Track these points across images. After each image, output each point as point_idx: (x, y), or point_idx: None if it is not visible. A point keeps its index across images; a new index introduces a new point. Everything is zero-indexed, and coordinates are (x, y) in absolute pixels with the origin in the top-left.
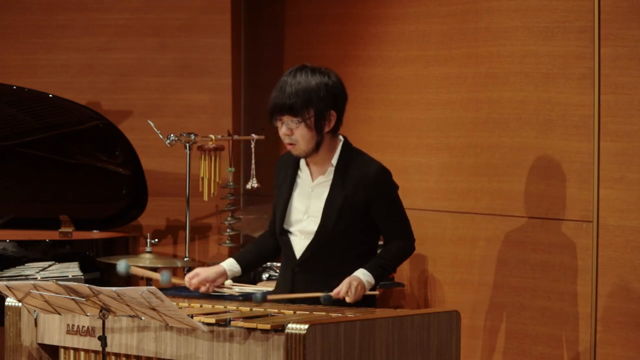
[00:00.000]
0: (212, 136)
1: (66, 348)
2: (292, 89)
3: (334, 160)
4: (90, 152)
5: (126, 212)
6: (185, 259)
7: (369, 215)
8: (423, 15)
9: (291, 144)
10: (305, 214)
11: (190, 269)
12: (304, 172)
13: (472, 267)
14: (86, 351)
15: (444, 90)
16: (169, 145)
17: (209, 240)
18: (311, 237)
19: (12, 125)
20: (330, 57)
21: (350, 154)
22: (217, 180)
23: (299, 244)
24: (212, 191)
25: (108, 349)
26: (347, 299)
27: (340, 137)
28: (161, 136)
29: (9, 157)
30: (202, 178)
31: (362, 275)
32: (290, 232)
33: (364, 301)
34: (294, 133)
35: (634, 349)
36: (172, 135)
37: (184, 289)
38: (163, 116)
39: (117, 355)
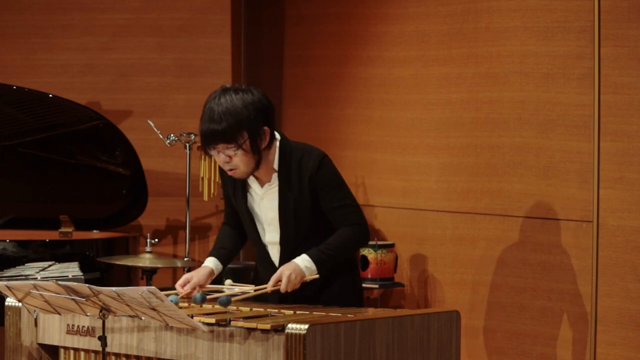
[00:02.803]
0: None
1: (66, 348)
2: (219, 114)
3: (275, 165)
4: (90, 152)
5: (126, 212)
6: (185, 259)
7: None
8: (423, 15)
9: (231, 169)
10: (266, 221)
11: (190, 269)
12: (251, 180)
13: (472, 267)
14: (86, 351)
15: (444, 90)
16: (169, 145)
17: (209, 240)
18: (279, 246)
19: (12, 125)
20: (330, 57)
21: (289, 153)
22: (217, 180)
23: (272, 252)
24: (212, 191)
25: (108, 349)
26: (281, 289)
27: (277, 136)
28: (161, 136)
29: (9, 157)
30: (202, 178)
31: (301, 261)
32: (265, 244)
33: (345, 294)
34: (232, 159)
35: (634, 349)
36: (172, 135)
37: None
38: (163, 116)
39: (117, 355)
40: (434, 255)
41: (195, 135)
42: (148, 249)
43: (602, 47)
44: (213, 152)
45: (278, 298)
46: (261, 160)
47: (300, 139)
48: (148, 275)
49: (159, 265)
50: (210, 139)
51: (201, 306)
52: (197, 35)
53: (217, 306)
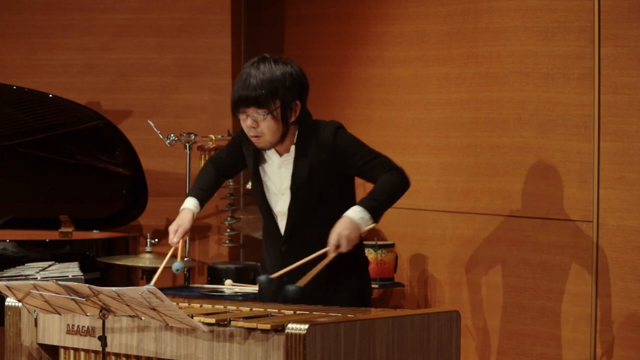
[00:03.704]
0: (212, 136)
1: (66, 348)
2: (256, 80)
3: (295, 137)
4: (90, 152)
5: (126, 212)
6: (185, 259)
7: (340, 178)
8: (423, 15)
9: (256, 136)
10: (280, 191)
11: (190, 269)
12: (270, 150)
13: (472, 267)
14: (86, 351)
15: (444, 90)
16: (169, 145)
17: (209, 240)
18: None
19: (12, 125)
20: (330, 57)
21: (309, 127)
22: None
23: (282, 222)
24: None
25: (108, 349)
26: (343, 250)
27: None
28: (161, 136)
29: (9, 157)
30: None
31: (354, 213)
32: (272, 211)
33: (354, 294)
34: (259, 125)
35: (634, 349)
36: (172, 135)
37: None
38: (163, 116)
39: (117, 355)
40: (434, 255)
41: (196, 135)
42: (148, 249)
43: (602, 47)
44: (241, 117)
45: (282, 299)
46: (287, 133)
47: None
48: (148, 275)
49: (159, 265)
50: (242, 101)
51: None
52: (197, 35)
53: (217, 306)
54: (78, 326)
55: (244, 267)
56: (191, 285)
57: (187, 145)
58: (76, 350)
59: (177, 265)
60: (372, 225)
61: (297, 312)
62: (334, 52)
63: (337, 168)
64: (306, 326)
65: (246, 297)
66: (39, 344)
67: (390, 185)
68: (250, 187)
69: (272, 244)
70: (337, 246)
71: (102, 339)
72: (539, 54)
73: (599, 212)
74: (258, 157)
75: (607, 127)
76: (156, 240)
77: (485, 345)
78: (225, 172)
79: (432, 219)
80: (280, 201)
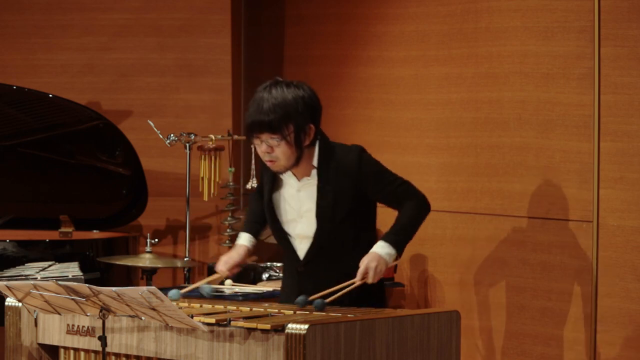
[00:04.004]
0: (212, 136)
1: (66, 348)
2: (269, 105)
3: (315, 161)
4: (90, 152)
5: (126, 212)
6: (185, 259)
7: (362, 202)
8: (423, 15)
9: (271, 161)
10: (298, 214)
11: (190, 269)
12: (288, 174)
13: (472, 267)
14: (86, 351)
15: (444, 90)
16: (169, 145)
17: (209, 240)
18: (311, 239)
19: (12, 125)
20: (330, 57)
21: (329, 150)
22: (217, 180)
23: (300, 245)
24: (212, 191)
25: (108, 349)
26: (369, 281)
27: (318, 136)
28: (161, 136)
29: (9, 157)
30: (202, 178)
31: (380, 248)
32: (289, 235)
33: (373, 296)
34: (274, 150)
35: (634, 349)
36: (172, 135)
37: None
38: (163, 116)
39: (117, 355)
40: (434, 255)
41: (195, 135)
42: (148, 249)
43: (602, 47)
44: (256, 142)
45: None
46: (302, 156)
47: None
48: (148, 275)
49: (159, 265)
50: (256, 128)
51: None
52: (197, 35)
53: (217, 306)
54: (78, 326)
55: (244, 267)
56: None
57: (187, 145)
58: (76, 350)
59: (207, 289)
60: (396, 262)
61: (297, 312)
62: (334, 52)
63: (361, 193)
64: (306, 326)
65: (246, 297)
66: (39, 344)
67: (412, 215)
68: (249, 187)
69: (288, 266)
70: (364, 277)
71: (102, 339)
72: (539, 54)
73: (599, 212)
74: (275, 182)
75: (607, 127)
76: (156, 240)
77: (485, 345)
78: None
79: (432, 219)
80: (299, 224)
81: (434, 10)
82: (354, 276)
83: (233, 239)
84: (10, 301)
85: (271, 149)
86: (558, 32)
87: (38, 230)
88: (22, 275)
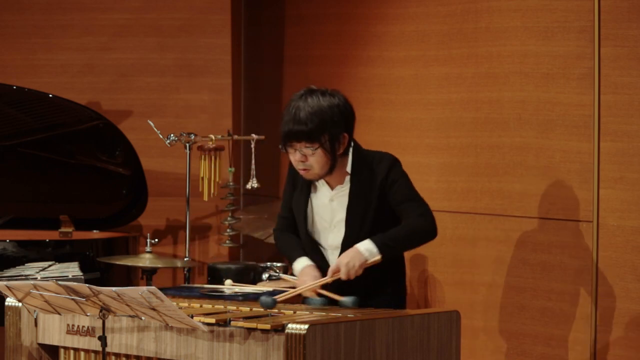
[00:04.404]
0: (212, 136)
1: (66, 348)
2: (305, 114)
3: (349, 168)
4: (90, 152)
5: (126, 212)
6: (185, 259)
7: (388, 210)
8: (423, 15)
9: (305, 170)
10: (331, 223)
11: (190, 269)
12: (321, 183)
13: (472, 267)
14: (86, 351)
15: (444, 90)
16: (169, 145)
17: (209, 240)
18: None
19: (12, 125)
20: (330, 57)
21: (362, 158)
22: (217, 180)
23: (332, 255)
24: (212, 191)
25: (108, 349)
26: (342, 277)
27: (351, 144)
28: (161, 136)
29: (9, 157)
30: (202, 178)
31: (361, 244)
32: (320, 246)
33: (392, 300)
34: (308, 159)
35: (634, 349)
36: (172, 135)
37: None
38: (163, 116)
39: (117, 355)
40: (434, 255)
41: (195, 135)
42: (148, 249)
43: (602, 47)
44: (290, 150)
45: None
46: (335, 165)
47: None
48: (148, 275)
49: (159, 265)
50: (293, 137)
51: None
52: (197, 35)
53: (217, 306)
54: (78, 326)
55: (244, 267)
56: (191, 285)
57: (187, 145)
58: (76, 350)
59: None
60: (377, 259)
61: (297, 312)
62: (334, 52)
63: (385, 201)
64: (306, 326)
65: (246, 297)
66: (39, 344)
67: (411, 228)
68: (249, 187)
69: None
70: (336, 272)
71: (102, 339)
72: (539, 54)
73: (599, 212)
74: (309, 190)
75: (607, 127)
76: (156, 240)
77: (485, 345)
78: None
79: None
80: (331, 234)
81: (434, 10)
82: (379, 285)
83: (233, 239)
84: (10, 301)
85: (305, 157)
86: (558, 32)
87: (38, 230)
88: (22, 275)
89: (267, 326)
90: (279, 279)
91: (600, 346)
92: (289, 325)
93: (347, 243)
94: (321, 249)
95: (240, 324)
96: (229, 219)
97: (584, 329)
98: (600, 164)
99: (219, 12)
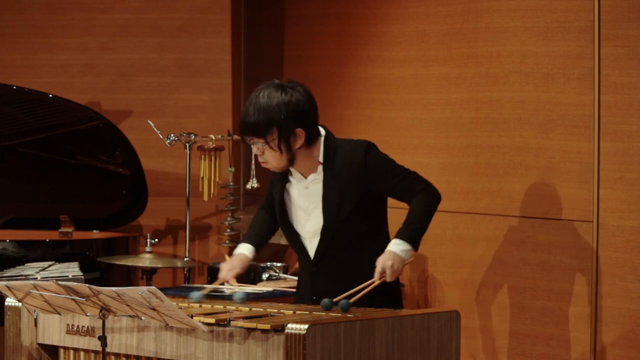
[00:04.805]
0: (212, 136)
1: (66, 348)
2: (254, 109)
3: (321, 158)
4: (90, 152)
5: (126, 212)
6: (185, 259)
7: (370, 197)
8: (423, 15)
9: (264, 162)
10: (307, 212)
11: (190, 269)
12: (294, 172)
13: (472, 267)
14: (86, 351)
15: (444, 90)
16: (169, 145)
17: (209, 240)
18: (319, 235)
19: (12, 125)
20: (330, 57)
21: (334, 146)
22: (217, 180)
23: (311, 244)
24: (212, 191)
25: (108, 349)
26: (387, 279)
27: (321, 131)
28: (161, 136)
29: (9, 157)
30: (202, 178)
31: (395, 246)
32: (299, 235)
33: (388, 297)
34: (264, 153)
35: (634, 349)
36: (172, 135)
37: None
38: (163, 116)
39: (117, 355)
40: (434, 255)
41: (195, 135)
42: (148, 249)
43: (602, 47)
44: (249, 142)
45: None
46: (294, 158)
47: None
48: (148, 275)
49: (159, 265)
50: (242, 130)
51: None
52: (197, 35)
53: (217, 306)
54: (78, 326)
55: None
56: (192, 285)
57: (187, 145)
58: (76, 350)
59: (239, 295)
60: (413, 255)
61: (297, 312)
62: (334, 52)
63: (368, 189)
64: (306, 326)
65: (246, 297)
66: (39, 344)
67: (423, 208)
68: (249, 187)
69: (302, 267)
70: (382, 275)
71: (102, 339)
72: (539, 54)
73: (599, 212)
74: (284, 182)
75: (607, 127)
76: (156, 240)
77: (486, 345)
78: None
79: (432, 219)
80: (308, 222)
81: (434, 10)
82: (367, 275)
83: (233, 239)
84: (10, 301)
85: (261, 151)
86: (558, 32)
87: (38, 230)
88: (22, 275)
89: (267, 326)
90: (279, 279)
91: (600, 346)
92: (289, 325)
93: (328, 230)
94: (300, 237)
95: (240, 324)
96: (229, 219)
97: (584, 329)
98: (600, 164)
99: (219, 12)
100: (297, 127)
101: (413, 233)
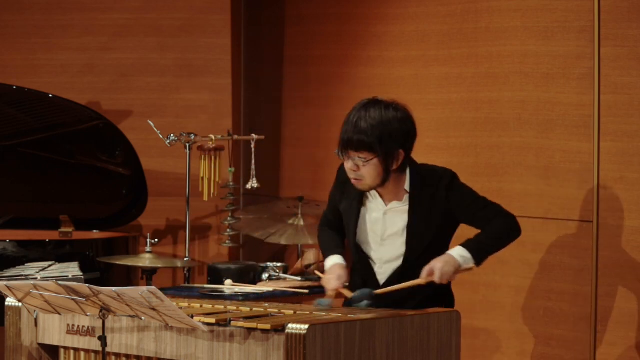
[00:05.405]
0: (212, 136)
1: (66, 348)
2: (366, 125)
3: (407, 186)
4: (90, 152)
5: (126, 212)
6: (185, 259)
7: (449, 225)
8: (423, 15)
9: (357, 179)
10: (382, 238)
11: (190, 269)
12: (373, 196)
13: None
14: (86, 351)
15: (444, 90)
16: (169, 145)
17: (209, 240)
18: (393, 263)
19: (12, 125)
20: (330, 57)
21: (420, 176)
22: (217, 180)
23: (381, 269)
24: (212, 191)
25: (108, 349)
26: (435, 281)
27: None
28: (161, 136)
29: (9, 157)
30: (202, 178)
31: (454, 251)
32: (370, 258)
33: (442, 301)
34: (360, 169)
35: (634, 349)
36: (172, 135)
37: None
38: (163, 116)
39: (117, 355)
40: None
41: (195, 135)
42: (148, 249)
43: (602, 47)
44: (345, 158)
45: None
46: (388, 179)
47: (300, 139)
48: (148, 275)
49: (159, 265)
50: (351, 145)
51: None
52: (197, 35)
53: (217, 306)
54: (78, 326)
55: (244, 267)
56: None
57: (187, 145)
58: (76, 350)
59: (324, 302)
60: (472, 266)
61: (297, 312)
62: (334, 52)
63: (449, 218)
64: (306, 326)
65: (246, 297)
66: (39, 344)
67: (497, 230)
68: (249, 187)
69: (361, 284)
70: (430, 275)
71: (102, 339)
72: (539, 54)
73: (599, 212)
74: (360, 204)
75: (607, 127)
76: (156, 240)
77: (486, 345)
78: (339, 226)
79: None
80: (381, 248)
81: (434, 10)
82: (430, 298)
83: (233, 239)
84: (10, 301)
85: (357, 167)
86: (558, 32)
87: (38, 230)
88: (22, 275)
89: (267, 326)
90: (279, 279)
91: (600, 346)
92: (289, 325)
93: (408, 259)
94: (370, 261)
95: (241, 324)
96: (229, 219)
97: (584, 329)
98: (600, 164)
99: (219, 12)
100: (400, 148)
101: (479, 246)
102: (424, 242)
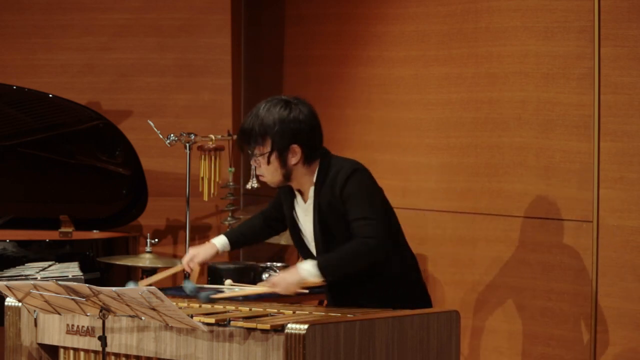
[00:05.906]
0: (212, 136)
1: (66, 348)
2: (251, 119)
3: (314, 179)
4: (90, 152)
5: (126, 212)
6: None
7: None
8: (423, 15)
9: (259, 175)
10: (311, 237)
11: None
12: (298, 196)
13: (472, 267)
14: (86, 351)
15: (444, 90)
16: (169, 145)
17: (209, 240)
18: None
19: (12, 125)
20: (330, 57)
21: (327, 169)
22: (217, 180)
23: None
24: (212, 191)
25: (108, 349)
26: (277, 290)
27: (322, 152)
28: (161, 136)
29: (9, 157)
30: (202, 178)
31: (303, 263)
32: (312, 254)
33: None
34: (260, 165)
35: (634, 349)
36: (172, 135)
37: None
38: (163, 116)
39: (117, 355)
40: (434, 255)
41: (196, 135)
42: (148, 249)
43: (602, 47)
44: (249, 153)
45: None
46: (290, 174)
47: None
48: (148, 275)
49: (159, 265)
50: (238, 137)
51: (200, 306)
52: (197, 35)
53: (217, 306)
54: (78, 326)
55: (244, 267)
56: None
57: (187, 145)
58: (76, 350)
59: (188, 285)
60: (318, 281)
61: (297, 312)
62: (334, 52)
63: (343, 213)
64: (306, 326)
65: (246, 298)
66: (39, 344)
67: (351, 251)
68: (249, 187)
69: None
70: (273, 286)
71: (102, 339)
72: (539, 54)
73: (599, 212)
74: (292, 203)
75: (607, 127)
76: (156, 240)
77: (485, 345)
78: (274, 226)
79: (432, 219)
80: (310, 248)
81: (434, 10)
82: (381, 297)
83: None
84: (10, 301)
85: (257, 163)
86: (558, 32)
87: (38, 230)
88: (22, 275)
89: (267, 326)
90: None
91: (600, 346)
92: (289, 325)
93: (322, 252)
94: (312, 254)
95: (240, 324)
96: (229, 219)
97: (584, 329)
98: (600, 164)
99: (219, 12)
100: (292, 143)
101: (327, 264)
102: (331, 239)
